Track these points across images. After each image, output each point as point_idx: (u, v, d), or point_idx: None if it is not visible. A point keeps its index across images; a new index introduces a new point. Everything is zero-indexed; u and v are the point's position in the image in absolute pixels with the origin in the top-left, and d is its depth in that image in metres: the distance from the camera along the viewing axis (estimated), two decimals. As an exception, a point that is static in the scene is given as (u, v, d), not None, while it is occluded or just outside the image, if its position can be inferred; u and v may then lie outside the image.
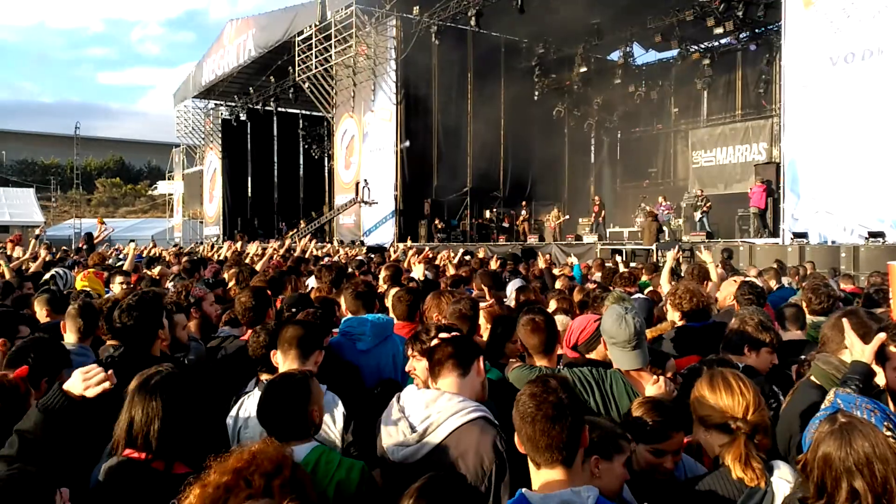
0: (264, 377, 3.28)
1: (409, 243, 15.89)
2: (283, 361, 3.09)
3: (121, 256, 13.85)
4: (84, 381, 2.31)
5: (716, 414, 2.30)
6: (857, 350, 2.71)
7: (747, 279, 5.47)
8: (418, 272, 5.08)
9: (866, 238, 13.54)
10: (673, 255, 6.94)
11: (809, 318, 4.70)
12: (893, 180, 13.59)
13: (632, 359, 2.87)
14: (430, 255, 12.42)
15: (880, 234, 13.34)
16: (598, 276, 9.02)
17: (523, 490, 1.93)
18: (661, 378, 2.82)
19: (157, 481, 2.18)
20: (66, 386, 2.30)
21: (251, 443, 1.89)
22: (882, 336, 2.70)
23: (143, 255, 15.35)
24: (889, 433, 1.83)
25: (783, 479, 2.13)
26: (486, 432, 2.18)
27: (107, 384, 2.32)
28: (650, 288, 6.96)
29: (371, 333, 3.99)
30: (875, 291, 5.91)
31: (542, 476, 1.95)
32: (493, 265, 10.87)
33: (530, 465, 1.99)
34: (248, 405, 2.96)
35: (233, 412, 2.95)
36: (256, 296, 4.32)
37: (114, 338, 3.69)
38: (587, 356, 3.28)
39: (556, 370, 3.08)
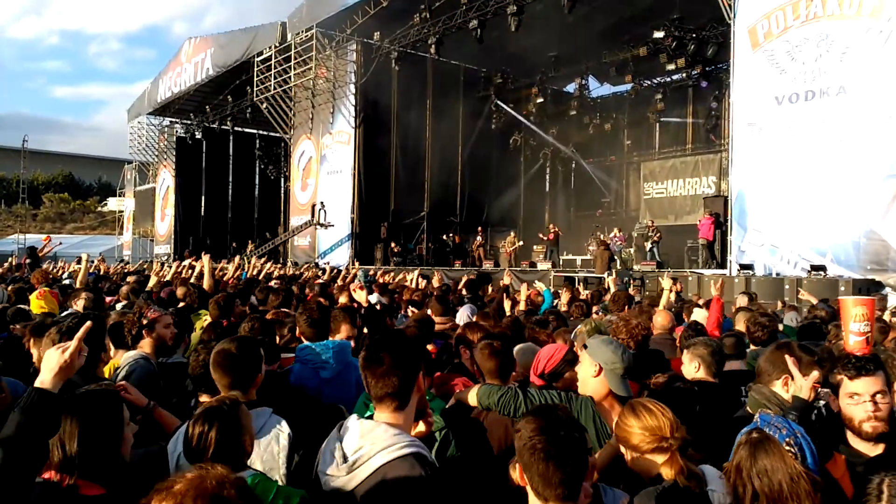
0: (203, 398, 3.20)
1: (356, 267, 15.84)
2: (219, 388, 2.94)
3: (65, 275, 13.48)
4: (58, 351, 2.21)
5: (647, 438, 2.41)
6: (797, 384, 2.87)
7: (693, 321, 5.67)
8: (361, 298, 5.09)
9: (808, 271, 14.00)
10: (670, 286, 7.09)
11: (751, 349, 4.85)
12: (832, 216, 14.12)
13: (626, 387, 3.02)
14: (385, 281, 12.42)
15: (821, 268, 13.81)
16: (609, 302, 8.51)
17: None
18: None
19: (62, 501, 2.14)
20: (40, 378, 2.19)
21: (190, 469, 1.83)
22: (816, 374, 2.86)
23: (91, 272, 14.95)
24: (788, 448, 2.12)
25: (713, 481, 2.35)
26: (414, 469, 2.14)
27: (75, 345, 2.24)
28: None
29: (335, 361, 3.94)
30: (811, 324, 6.10)
31: None
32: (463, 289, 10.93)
33: (534, 498, 1.99)
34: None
35: (174, 438, 2.84)
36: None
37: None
38: (554, 385, 3.33)
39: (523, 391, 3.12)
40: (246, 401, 2.84)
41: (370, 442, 2.20)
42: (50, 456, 2.18)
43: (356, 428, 2.28)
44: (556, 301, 9.90)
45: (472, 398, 3.12)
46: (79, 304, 6.23)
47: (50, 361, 2.21)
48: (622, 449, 2.53)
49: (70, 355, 2.21)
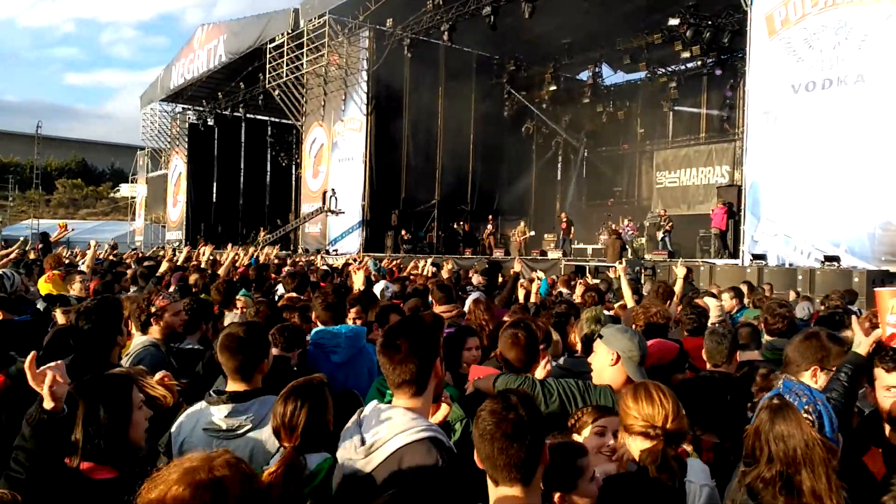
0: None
1: (360, 255, 15.74)
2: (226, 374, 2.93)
3: (81, 261, 13.55)
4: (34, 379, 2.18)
5: (638, 422, 2.45)
6: (857, 340, 2.95)
7: (693, 302, 5.63)
8: (358, 280, 4.92)
9: (822, 262, 13.89)
10: (684, 274, 7.03)
11: (766, 339, 4.82)
12: (847, 206, 13.99)
13: (643, 374, 3.05)
14: (394, 267, 12.42)
15: (835, 258, 13.70)
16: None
17: None
18: None
19: (81, 486, 2.17)
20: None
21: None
22: (879, 332, 2.92)
23: (102, 259, 15.03)
24: (807, 415, 2.17)
25: (695, 473, 2.43)
26: (430, 453, 2.15)
27: (53, 386, 2.16)
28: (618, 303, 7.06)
29: (347, 345, 3.95)
30: (830, 315, 6.04)
31: (500, 493, 1.94)
32: (476, 279, 10.90)
33: (489, 480, 1.98)
34: (194, 412, 2.86)
35: (176, 423, 2.84)
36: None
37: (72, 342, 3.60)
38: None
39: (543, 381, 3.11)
40: (251, 388, 2.86)
41: (387, 426, 2.21)
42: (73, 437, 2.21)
43: (375, 413, 2.29)
44: (553, 291, 9.90)
45: (490, 387, 3.12)
46: (75, 288, 6.26)
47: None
48: (620, 423, 2.58)
49: (41, 383, 2.17)
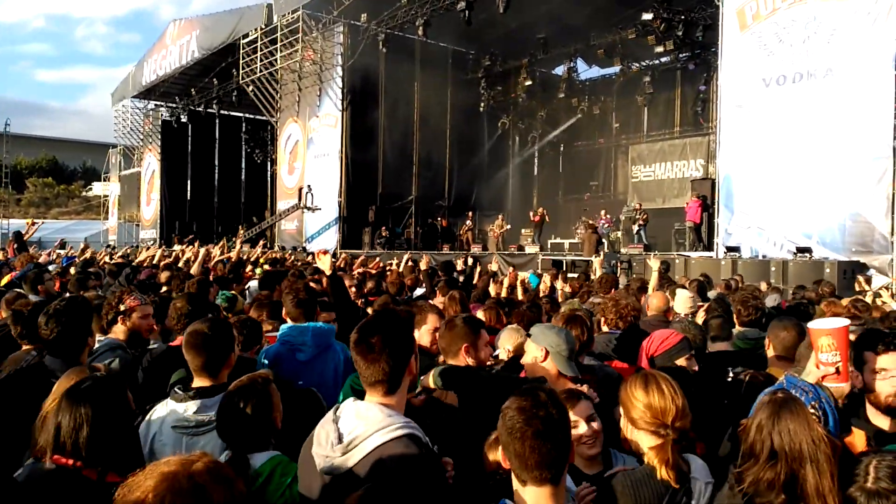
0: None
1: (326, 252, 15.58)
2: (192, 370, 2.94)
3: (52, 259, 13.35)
4: None
5: (647, 417, 2.39)
6: (806, 370, 2.83)
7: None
8: (325, 265, 4.73)
9: (794, 253, 14.09)
10: (658, 267, 7.07)
11: (737, 329, 4.88)
12: (818, 198, 14.19)
13: (572, 367, 3.08)
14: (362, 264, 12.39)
15: (807, 250, 13.90)
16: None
17: (507, 501, 1.92)
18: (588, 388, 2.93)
19: (89, 490, 2.11)
20: None
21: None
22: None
23: (76, 257, 14.81)
24: (813, 411, 2.11)
25: (697, 470, 2.38)
26: (409, 450, 2.14)
27: None
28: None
29: (312, 343, 3.88)
30: (797, 305, 6.14)
31: (528, 494, 1.92)
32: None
33: (515, 481, 1.95)
34: (161, 410, 2.85)
35: (146, 418, 2.84)
36: (193, 302, 4.20)
37: (41, 345, 3.53)
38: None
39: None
40: (217, 383, 2.86)
41: (365, 423, 2.20)
42: (56, 441, 2.15)
43: (351, 409, 2.28)
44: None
45: (431, 380, 3.15)
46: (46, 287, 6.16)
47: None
48: (621, 411, 2.54)
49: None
